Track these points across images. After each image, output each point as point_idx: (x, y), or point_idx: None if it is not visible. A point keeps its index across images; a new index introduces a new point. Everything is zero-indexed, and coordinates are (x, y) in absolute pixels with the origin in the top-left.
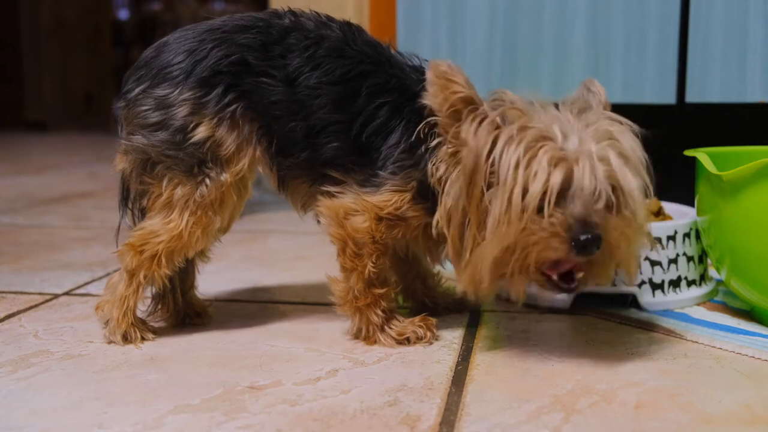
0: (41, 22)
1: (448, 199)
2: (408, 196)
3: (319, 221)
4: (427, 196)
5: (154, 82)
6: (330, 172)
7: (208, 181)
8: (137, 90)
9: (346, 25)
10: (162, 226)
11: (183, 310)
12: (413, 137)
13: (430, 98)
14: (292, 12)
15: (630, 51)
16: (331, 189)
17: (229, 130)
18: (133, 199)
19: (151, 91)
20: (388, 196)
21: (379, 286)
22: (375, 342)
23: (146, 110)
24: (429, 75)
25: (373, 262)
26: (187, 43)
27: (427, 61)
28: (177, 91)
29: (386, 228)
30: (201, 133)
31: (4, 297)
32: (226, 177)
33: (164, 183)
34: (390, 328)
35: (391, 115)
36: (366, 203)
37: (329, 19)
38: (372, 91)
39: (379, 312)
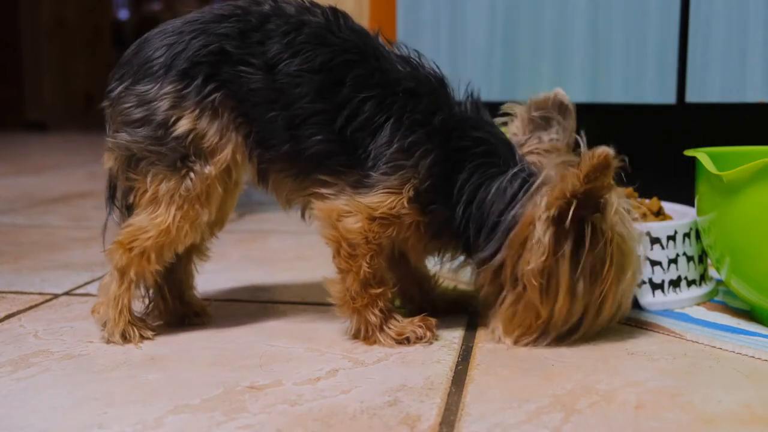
0: (41, 22)
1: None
2: (404, 198)
3: (304, 217)
4: (420, 200)
5: (136, 79)
6: (320, 176)
7: (192, 174)
8: (120, 88)
9: (331, 11)
10: (149, 221)
11: (181, 310)
12: (409, 139)
13: (575, 179)
14: None
15: (630, 51)
16: (323, 191)
17: (210, 120)
18: (120, 197)
19: (132, 87)
20: (382, 197)
21: (375, 286)
22: (374, 342)
23: (129, 107)
24: (589, 162)
25: (367, 263)
26: (166, 37)
27: (417, 51)
28: (158, 86)
29: (379, 228)
30: (183, 126)
31: (4, 297)
32: (210, 169)
33: (149, 179)
34: (389, 327)
35: (376, 110)
36: (358, 204)
37: (313, 4)
38: (356, 82)
39: (377, 312)
